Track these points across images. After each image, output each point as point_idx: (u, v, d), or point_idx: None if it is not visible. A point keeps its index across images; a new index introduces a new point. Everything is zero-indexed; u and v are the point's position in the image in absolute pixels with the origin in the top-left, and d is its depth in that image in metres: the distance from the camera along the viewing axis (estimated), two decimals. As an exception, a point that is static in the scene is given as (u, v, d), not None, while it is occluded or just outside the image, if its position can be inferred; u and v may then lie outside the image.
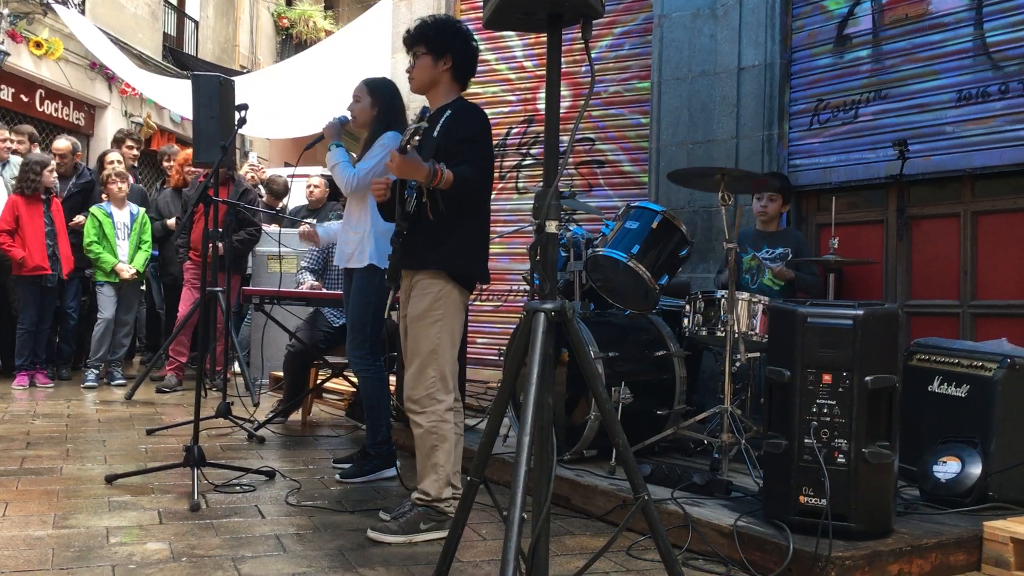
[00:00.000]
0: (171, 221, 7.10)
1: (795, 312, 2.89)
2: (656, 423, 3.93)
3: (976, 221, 4.29)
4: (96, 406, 5.80)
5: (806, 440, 2.80)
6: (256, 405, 5.62)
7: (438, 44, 3.16)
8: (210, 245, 4.83)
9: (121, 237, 6.73)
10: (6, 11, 10.26)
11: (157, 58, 13.51)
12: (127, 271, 6.66)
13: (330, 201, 6.96)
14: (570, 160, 5.83)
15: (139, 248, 6.82)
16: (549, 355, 1.97)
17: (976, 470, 3.19)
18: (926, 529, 2.91)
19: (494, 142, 3.54)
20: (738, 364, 3.55)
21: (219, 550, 2.85)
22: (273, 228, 6.90)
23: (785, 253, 4.42)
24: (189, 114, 5.94)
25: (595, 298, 4.29)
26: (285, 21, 17.40)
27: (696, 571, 2.79)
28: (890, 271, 4.59)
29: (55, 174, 6.69)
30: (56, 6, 10.63)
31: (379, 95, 3.83)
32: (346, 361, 4.63)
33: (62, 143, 7.21)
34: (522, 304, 5.49)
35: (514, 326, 4.89)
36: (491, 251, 3.35)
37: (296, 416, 5.49)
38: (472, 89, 4.89)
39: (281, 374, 5.61)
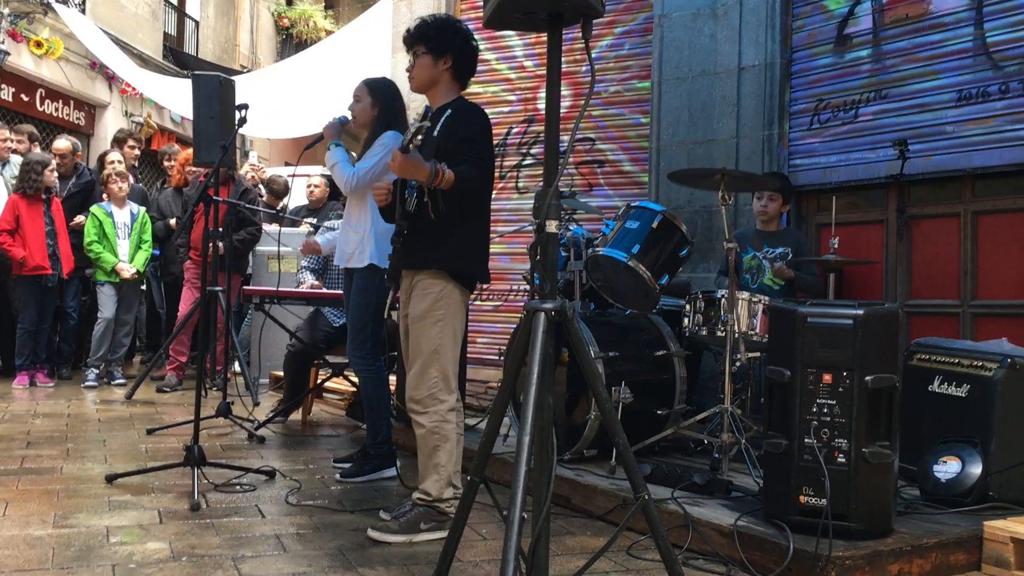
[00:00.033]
0: (174, 221, 7.11)
1: (795, 312, 2.89)
2: (656, 423, 3.93)
3: (976, 221, 4.29)
4: (96, 406, 5.80)
5: (806, 440, 2.80)
6: (256, 404, 5.62)
7: (438, 43, 3.16)
8: (210, 245, 4.84)
9: (121, 237, 6.73)
10: (6, 10, 10.26)
11: (157, 58, 13.51)
12: (127, 271, 6.66)
13: (330, 201, 6.95)
14: (570, 160, 5.83)
15: (139, 248, 6.83)
16: (549, 355, 1.97)
17: (976, 470, 3.19)
18: (926, 529, 2.91)
19: (494, 142, 3.54)
20: (738, 364, 3.55)
21: (219, 549, 2.85)
22: (273, 228, 6.90)
23: (785, 253, 4.42)
24: (189, 114, 5.94)
25: (595, 298, 4.29)
26: (285, 21, 17.41)
27: (696, 571, 2.79)
28: (890, 271, 4.59)
29: (55, 174, 6.69)
30: (56, 6, 10.63)
31: (380, 95, 3.83)
32: (346, 361, 4.64)
33: (62, 143, 7.22)
34: (522, 304, 5.49)
35: (514, 326, 4.89)
36: (491, 250, 3.35)
37: (296, 416, 5.49)
38: (472, 89, 4.90)
39: (281, 374, 5.61)
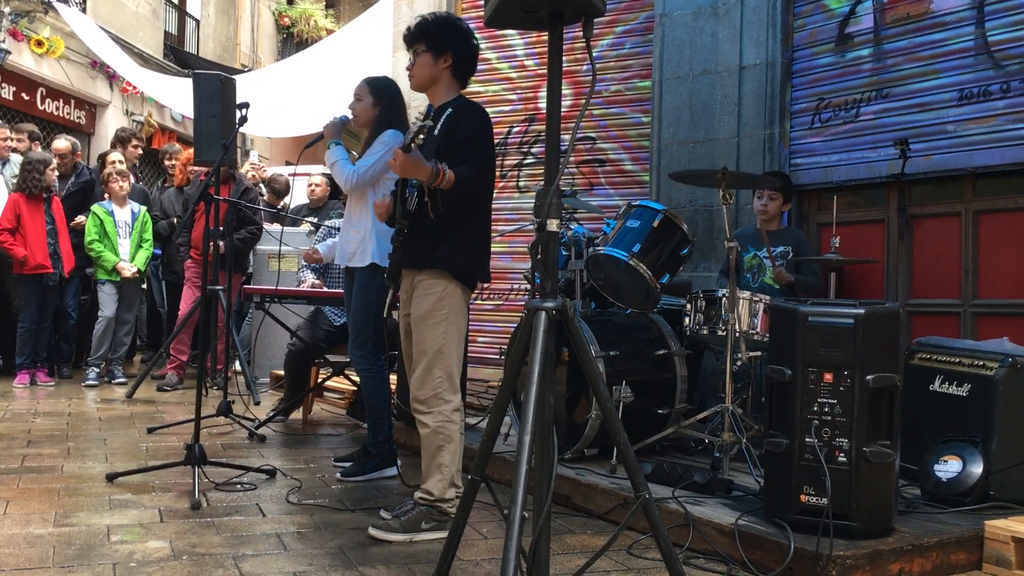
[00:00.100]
0: (177, 220, 7.12)
1: (796, 311, 2.89)
2: (657, 422, 3.93)
3: (977, 220, 4.29)
4: (97, 404, 5.80)
5: (807, 439, 2.80)
6: (257, 403, 5.62)
7: (438, 42, 3.16)
8: (211, 243, 4.84)
9: (122, 235, 6.73)
10: (7, 9, 10.26)
11: (158, 57, 13.51)
12: (128, 269, 6.67)
13: (331, 200, 6.96)
14: (571, 159, 5.82)
15: (140, 247, 6.83)
16: (550, 354, 1.97)
17: (977, 469, 3.19)
18: (927, 528, 2.91)
19: (495, 141, 3.54)
20: (739, 363, 3.55)
21: (220, 548, 2.85)
22: (274, 227, 6.90)
23: (786, 252, 4.41)
24: (190, 113, 5.94)
25: (596, 297, 4.29)
26: (286, 20, 17.41)
27: (697, 570, 2.79)
28: (891, 270, 4.59)
29: (56, 173, 6.70)
30: (57, 4, 10.63)
31: (380, 94, 3.83)
32: (347, 360, 4.64)
33: (61, 143, 7.22)
34: (523, 303, 5.49)
35: (515, 325, 4.89)
36: (492, 250, 3.35)
37: (297, 415, 5.49)
38: (473, 88, 4.90)
39: (282, 372, 5.61)
